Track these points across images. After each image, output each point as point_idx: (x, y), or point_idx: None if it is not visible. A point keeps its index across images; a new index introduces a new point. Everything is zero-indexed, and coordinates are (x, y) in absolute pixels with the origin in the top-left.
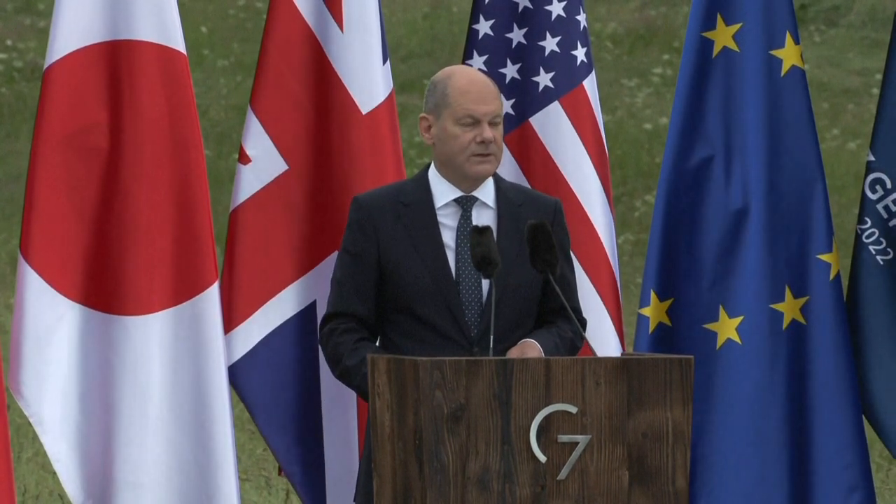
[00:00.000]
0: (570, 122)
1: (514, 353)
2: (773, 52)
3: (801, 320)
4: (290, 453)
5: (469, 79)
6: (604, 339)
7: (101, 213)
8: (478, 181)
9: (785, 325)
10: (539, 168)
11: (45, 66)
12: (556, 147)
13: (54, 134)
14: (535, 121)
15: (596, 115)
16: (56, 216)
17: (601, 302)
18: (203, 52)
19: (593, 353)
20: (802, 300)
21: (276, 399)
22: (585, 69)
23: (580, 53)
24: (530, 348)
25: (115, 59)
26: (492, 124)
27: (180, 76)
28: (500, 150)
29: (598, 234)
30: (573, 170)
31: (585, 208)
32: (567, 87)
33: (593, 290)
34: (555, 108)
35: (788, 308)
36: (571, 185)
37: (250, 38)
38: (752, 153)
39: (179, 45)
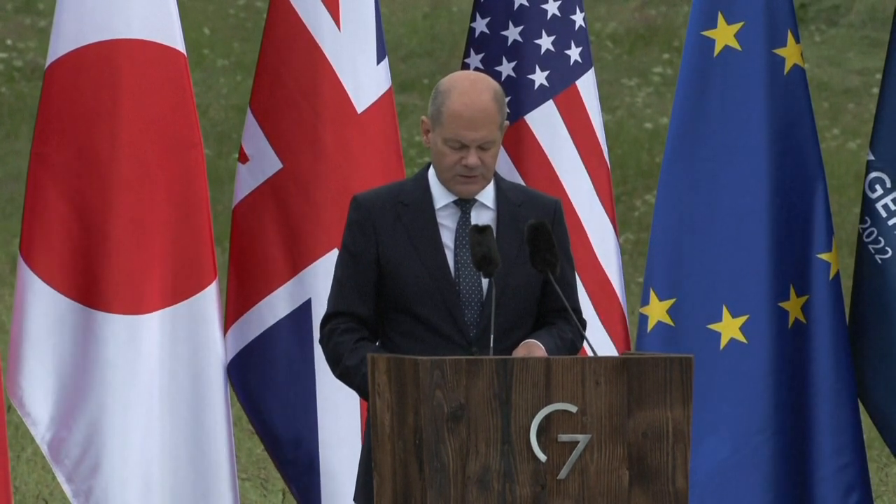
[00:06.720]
0: (563, 122)
1: (519, 352)
2: (776, 51)
3: (803, 319)
4: (284, 452)
5: (465, 102)
6: (595, 340)
7: (100, 213)
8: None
9: (790, 323)
10: (534, 166)
11: (46, 64)
12: (551, 146)
13: (54, 134)
14: (531, 119)
15: (591, 115)
16: (55, 216)
17: (590, 302)
18: (203, 52)
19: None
20: (803, 299)
21: (271, 397)
22: (579, 69)
23: (574, 53)
24: (535, 349)
25: (116, 58)
26: (481, 148)
27: (180, 75)
28: (490, 170)
29: (587, 235)
30: (566, 170)
31: (577, 209)
32: (561, 87)
33: (583, 290)
34: (549, 106)
35: (792, 307)
36: (564, 185)
37: (250, 37)
38: (752, 152)
39: (179, 44)
